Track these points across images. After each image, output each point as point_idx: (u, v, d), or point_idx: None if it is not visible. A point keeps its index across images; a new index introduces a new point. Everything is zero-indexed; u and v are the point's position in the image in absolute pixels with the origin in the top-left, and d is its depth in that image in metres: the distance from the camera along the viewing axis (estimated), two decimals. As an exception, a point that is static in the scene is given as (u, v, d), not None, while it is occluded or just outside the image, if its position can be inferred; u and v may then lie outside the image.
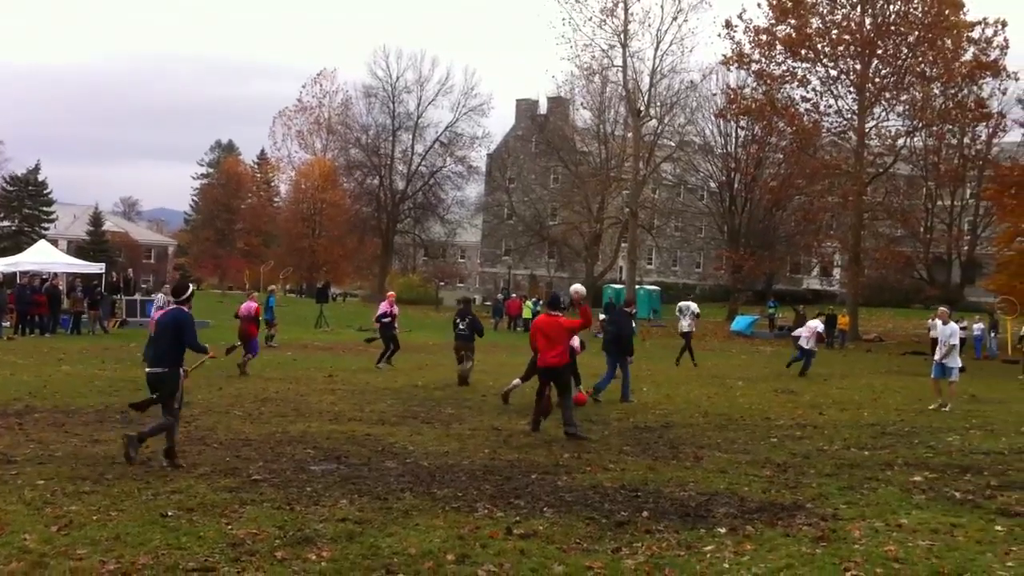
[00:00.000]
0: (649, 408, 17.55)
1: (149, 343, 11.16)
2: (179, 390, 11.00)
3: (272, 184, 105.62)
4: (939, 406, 18.36)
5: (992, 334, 37.43)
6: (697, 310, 30.50)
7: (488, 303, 67.24)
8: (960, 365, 19.29)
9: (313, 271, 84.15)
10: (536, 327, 14.62)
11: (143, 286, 65.84)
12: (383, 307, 24.72)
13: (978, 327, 37.63)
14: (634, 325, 22.17)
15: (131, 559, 7.08)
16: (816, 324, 27.08)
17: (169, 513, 8.39)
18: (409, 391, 19.07)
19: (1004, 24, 46.49)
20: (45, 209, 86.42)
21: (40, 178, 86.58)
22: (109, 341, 30.30)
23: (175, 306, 11.25)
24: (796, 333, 27.65)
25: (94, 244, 78.94)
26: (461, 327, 21.13)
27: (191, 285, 12.32)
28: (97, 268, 40.87)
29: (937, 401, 18.69)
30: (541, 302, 50.86)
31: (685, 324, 29.15)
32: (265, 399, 16.94)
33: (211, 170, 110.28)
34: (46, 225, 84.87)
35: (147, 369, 11.26)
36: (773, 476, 10.95)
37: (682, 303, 30.28)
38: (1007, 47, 46.88)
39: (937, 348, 19.33)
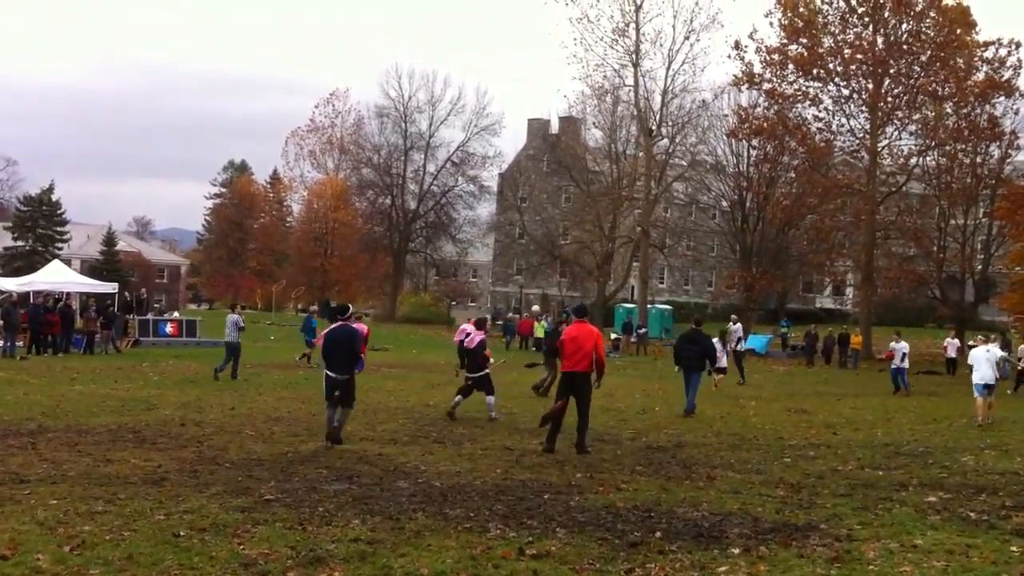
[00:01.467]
0: (662, 427, 17.52)
1: (325, 354, 14.59)
2: (354, 387, 14.51)
3: (284, 204, 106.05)
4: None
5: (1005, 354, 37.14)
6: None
7: (499, 322, 67.22)
8: (978, 381, 20.10)
9: (325, 290, 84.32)
10: (568, 335, 14.64)
11: (156, 306, 66.00)
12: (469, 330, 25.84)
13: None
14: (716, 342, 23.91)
15: (143, 579, 7.09)
16: (896, 345, 28.69)
17: (181, 533, 8.39)
18: (420, 410, 19.07)
19: (1018, 45, 46.50)
20: (59, 229, 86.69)
21: (54, 198, 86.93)
22: (122, 361, 30.37)
23: (342, 323, 14.62)
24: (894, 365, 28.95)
25: (107, 264, 79.09)
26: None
27: (350, 305, 16.68)
28: (110, 288, 41.04)
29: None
30: (551, 319, 50.84)
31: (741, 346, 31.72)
32: (277, 418, 16.95)
33: (224, 189, 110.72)
34: (60, 245, 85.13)
35: (330, 373, 14.11)
36: (787, 496, 10.90)
37: (735, 327, 32.25)
38: (1020, 67, 46.85)
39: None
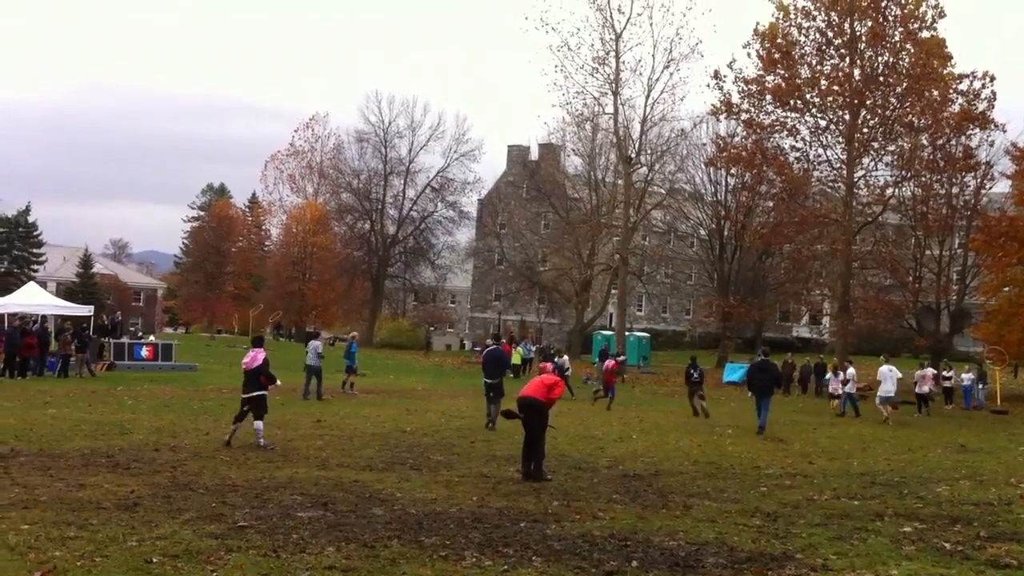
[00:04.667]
0: (639, 456, 17.51)
1: (484, 365, 21.69)
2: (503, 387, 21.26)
3: (263, 228, 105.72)
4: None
5: (980, 385, 37.35)
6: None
7: (477, 348, 67.07)
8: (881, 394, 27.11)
9: (302, 315, 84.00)
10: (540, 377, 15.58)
11: (131, 329, 65.53)
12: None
13: (967, 377, 37.58)
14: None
15: (114, 606, 7.01)
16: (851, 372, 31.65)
17: (154, 560, 8.31)
18: (397, 437, 18.99)
19: (992, 78, 46.94)
20: (35, 251, 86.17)
21: (30, 219, 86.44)
22: (96, 385, 30.06)
23: (495, 345, 22.79)
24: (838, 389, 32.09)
25: (83, 286, 78.65)
26: (695, 376, 27.59)
27: (502, 336, 25.59)
28: (85, 310, 40.74)
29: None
30: (532, 347, 50.78)
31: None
32: (252, 444, 16.84)
33: (202, 213, 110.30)
34: (35, 267, 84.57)
35: (487, 380, 21.38)
36: (763, 526, 10.90)
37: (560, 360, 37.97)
38: (995, 99, 47.28)
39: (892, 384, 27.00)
